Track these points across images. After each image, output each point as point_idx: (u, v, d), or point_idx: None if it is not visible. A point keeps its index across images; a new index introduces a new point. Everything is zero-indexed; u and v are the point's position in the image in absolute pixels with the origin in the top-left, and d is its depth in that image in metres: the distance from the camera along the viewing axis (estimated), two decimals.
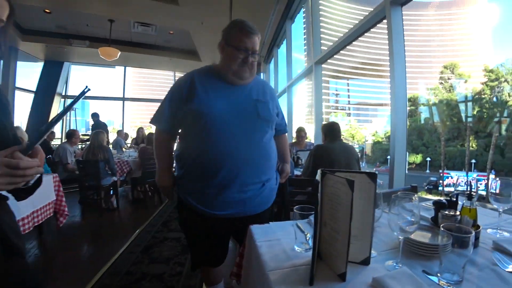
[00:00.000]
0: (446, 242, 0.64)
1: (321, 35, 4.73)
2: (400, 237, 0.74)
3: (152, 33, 6.74)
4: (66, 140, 4.81)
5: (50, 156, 4.72)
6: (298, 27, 5.55)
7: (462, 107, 29.82)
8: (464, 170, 26.85)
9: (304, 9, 5.83)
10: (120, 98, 10.59)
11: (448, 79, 33.43)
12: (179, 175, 1.30)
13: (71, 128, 8.07)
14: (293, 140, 4.07)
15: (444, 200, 1.01)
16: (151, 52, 7.68)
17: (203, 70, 1.33)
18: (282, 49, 7.26)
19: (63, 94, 9.36)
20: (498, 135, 26.47)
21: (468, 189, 0.99)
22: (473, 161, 27.23)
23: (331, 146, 2.40)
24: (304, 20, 6.99)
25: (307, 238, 0.88)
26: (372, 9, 2.69)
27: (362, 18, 2.91)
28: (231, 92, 1.26)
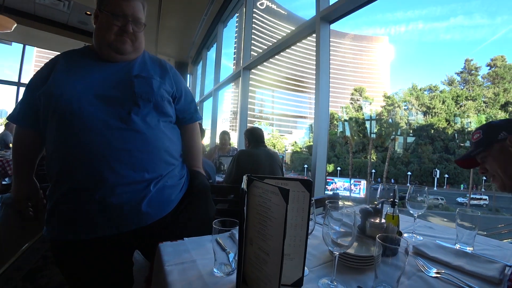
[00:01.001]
0: (378, 253, 0.59)
1: (252, 42, 4.75)
2: (336, 252, 0.65)
3: (63, 9, 5.55)
4: None
5: None
6: (230, 33, 5.51)
7: (367, 124, 35.22)
8: (366, 178, 32.35)
9: (238, 14, 5.82)
10: (14, 82, 8.69)
11: (357, 100, 38.88)
12: (49, 188, 0.94)
13: None
14: (216, 144, 3.93)
15: (370, 208, 1.00)
16: (61, 33, 6.30)
17: (78, 49, 1.07)
18: (212, 52, 7.08)
19: None
20: (393, 150, 32.73)
21: (392, 197, 1.02)
22: (373, 171, 32.83)
23: (255, 152, 2.33)
24: (237, 25, 7.01)
25: (229, 258, 0.73)
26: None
27: (294, 29, 2.99)
28: (103, 70, 0.99)
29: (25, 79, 8.86)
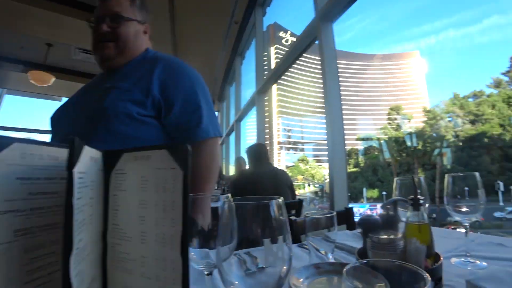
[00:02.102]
0: None
1: (265, 68, 4.64)
2: None
3: (95, 62, 6.18)
4: None
5: None
6: (249, 63, 5.51)
7: (408, 143, 32.76)
8: None
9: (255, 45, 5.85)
10: None
11: (395, 119, 36.85)
12: None
13: None
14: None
15: (375, 215, 0.64)
16: None
17: None
18: (234, 86, 7.17)
19: None
20: (442, 166, 29.40)
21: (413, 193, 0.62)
22: None
23: (256, 171, 2.01)
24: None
25: None
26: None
27: (295, 39, 2.82)
28: (95, 84, 0.94)
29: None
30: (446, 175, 0.75)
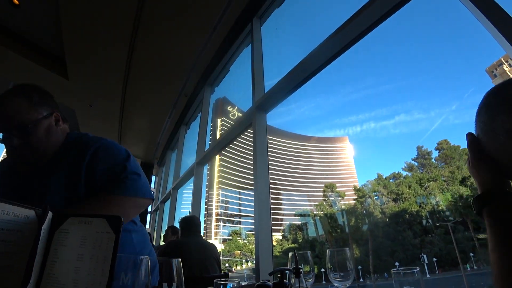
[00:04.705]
0: None
1: (210, 140, 4.94)
2: None
3: None
4: None
5: None
6: (194, 133, 5.79)
7: (340, 219, 34.95)
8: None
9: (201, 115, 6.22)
10: None
11: (329, 196, 39.65)
12: None
13: None
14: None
15: (267, 282, 0.81)
16: None
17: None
18: (175, 153, 7.23)
19: None
20: (374, 241, 31.58)
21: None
22: (359, 267, 30.25)
23: (185, 241, 2.06)
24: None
25: None
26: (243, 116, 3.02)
27: (235, 122, 3.22)
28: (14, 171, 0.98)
29: None
30: (327, 250, 0.97)
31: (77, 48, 4.00)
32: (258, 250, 2.06)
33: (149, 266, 0.49)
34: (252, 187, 2.28)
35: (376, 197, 35.94)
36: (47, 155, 0.95)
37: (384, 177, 37.91)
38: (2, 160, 1.04)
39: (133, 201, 0.96)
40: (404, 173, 37.82)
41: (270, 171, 2.47)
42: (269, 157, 2.52)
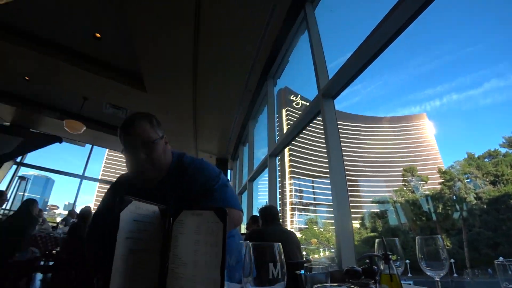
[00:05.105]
0: None
1: (278, 132, 5.05)
2: None
3: (122, 116, 6.92)
4: None
5: None
6: (262, 126, 6.01)
7: (425, 206, 31.15)
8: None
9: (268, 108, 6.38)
10: (79, 175, 10.23)
11: (410, 181, 35.91)
12: None
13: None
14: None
15: (356, 268, 0.81)
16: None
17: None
18: (247, 147, 7.58)
19: (18, 160, 8.92)
20: (469, 231, 26.83)
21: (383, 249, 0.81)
22: (452, 260, 26.25)
23: (267, 229, 2.17)
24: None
25: None
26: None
27: (302, 112, 3.20)
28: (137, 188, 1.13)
29: (90, 174, 10.62)
30: (417, 238, 0.92)
31: (150, 65, 4.63)
32: (339, 237, 2.05)
33: (250, 249, 0.55)
34: (326, 175, 2.26)
35: (468, 180, 30.78)
36: (162, 171, 1.13)
37: (476, 156, 32.37)
38: (120, 176, 1.26)
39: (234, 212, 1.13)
40: (503, 150, 31.48)
41: (344, 157, 2.41)
42: (341, 143, 2.46)
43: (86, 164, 10.47)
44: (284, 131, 4.22)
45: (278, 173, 4.51)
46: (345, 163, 2.40)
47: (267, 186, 4.29)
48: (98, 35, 4.56)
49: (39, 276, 4.65)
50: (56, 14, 4.26)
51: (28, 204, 3.85)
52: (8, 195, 8.58)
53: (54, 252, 4.99)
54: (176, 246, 0.59)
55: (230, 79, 4.86)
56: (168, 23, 3.69)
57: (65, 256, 4.15)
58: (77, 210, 7.91)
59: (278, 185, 4.38)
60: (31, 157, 9.48)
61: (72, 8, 4.10)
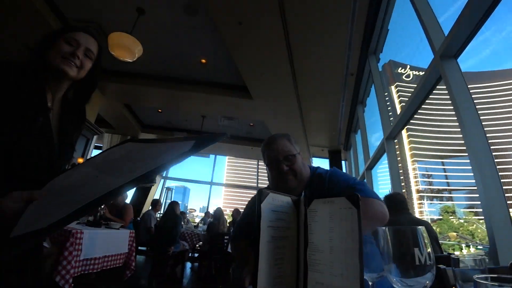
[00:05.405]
0: None
1: (390, 112, 4.54)
2: None
3: (235, 125, 7.99)
4: (151, 207, 5.64)
5: (138, 218, 5.75)
6: (372, 109, 5.55)
7: None
8: None
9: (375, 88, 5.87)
10: (208, 182, 12.20)
11: None
12: None
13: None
14: None
15: None
16: (236, 142, 9.01)
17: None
18: (359, 134, 7.11)
19: (164, 175, 11.53)
20: None
21: None
22: None
23: (396, 219, 1.97)
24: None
25: None
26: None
27: (418, 85, 2.77)
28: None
29: (216, 180, 12.72)
30: None
31: (251, 75, 5.11)
32: (492, 228, 1.68)
33: (387, 235, 0.53)
34: (461, 154, 1.89)
35: None
36: (302, 182, 1.23)
37: None
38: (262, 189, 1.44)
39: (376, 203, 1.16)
40: None
41: (484, 128, 1.96)
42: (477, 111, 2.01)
43: (213, 172, 12.28)
44: (398, 110, 3.77)
45: (397, 158, 4.05)
46: (487, 135, 1.96)
47: (387, 173, 3.91)
48: (203, 60, 5.28)
49: (188, 264, 5.80)
50: (169, 53, 5.21)
51: (173, 205, 4.88)
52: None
53: (197, 246, 6.07)
54: (311, 234, 0.62)
55: (328, 65, 4.71)
56: (256, 24, 3.89)
57: (206, 249, 4.96)
58: (211, 211, 9.38)
59: (399, 171, 3.94)
60: (172, 172, 11.97)
61: (183, 45, 4.93)
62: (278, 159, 1.18)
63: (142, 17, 4.17)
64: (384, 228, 0.54)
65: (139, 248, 4.94)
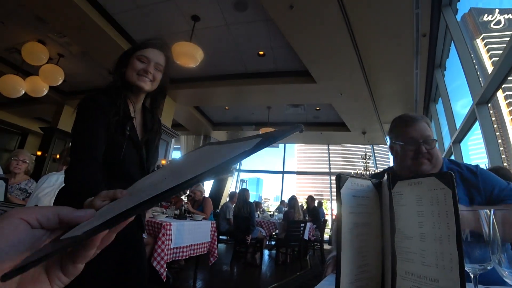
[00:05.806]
0: None
1: (478, 72, 3.82)
2: None
3: (301, 112, 7.91)
4: (228, 199, 6.09)
5: (217, 210, 6.19)
6: (454, 72, 4.75)
7: None
8: None
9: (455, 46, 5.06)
10: (279, 171, 12.50)
11: None
12: None
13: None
14: None
15: None
16: (304, 129, 8.70)
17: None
18: (440, 104, 6.22)
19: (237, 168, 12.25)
20: None
21: None
22: None
23: None
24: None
25: None
26: None
27: None
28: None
29: (288, 168, 12.95)
30: None
31: (311, 57, 4.98)
32: None
33: (494, 219, 0.46)
34: None
35: None
36: (435, 169, 1.18)
37: None
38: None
39: None
40: None
41: None
42: None
43: (284, 161, 12.42)
44: (489, 68, 3.16)
45: (494, 126, 3.40)
46: None
47: (482, 146, 3.32)
48: (261, 52, 5.30)
49: (266, 252, 6.03)
50: (227, 51, 5.37)
51: (244, 192, 5.21)
52: None
53: (274, 234, 6.27)
54: (396, 219, 0.57)
55: (394, 30, 4.18)
56: (307, 3, 3.70)
57: (282, 237, 5.07)
58: (285, 199, 9.51)
59: (498, 141, 3.30)
60: (245, 164, 12.46)
61: (240, 41, 5.02)
62: (418, 140, 1.14)
63: (197, 23, 4.40)
64: (487, 210, 0.46)
65: (220, 237, 5.36)
